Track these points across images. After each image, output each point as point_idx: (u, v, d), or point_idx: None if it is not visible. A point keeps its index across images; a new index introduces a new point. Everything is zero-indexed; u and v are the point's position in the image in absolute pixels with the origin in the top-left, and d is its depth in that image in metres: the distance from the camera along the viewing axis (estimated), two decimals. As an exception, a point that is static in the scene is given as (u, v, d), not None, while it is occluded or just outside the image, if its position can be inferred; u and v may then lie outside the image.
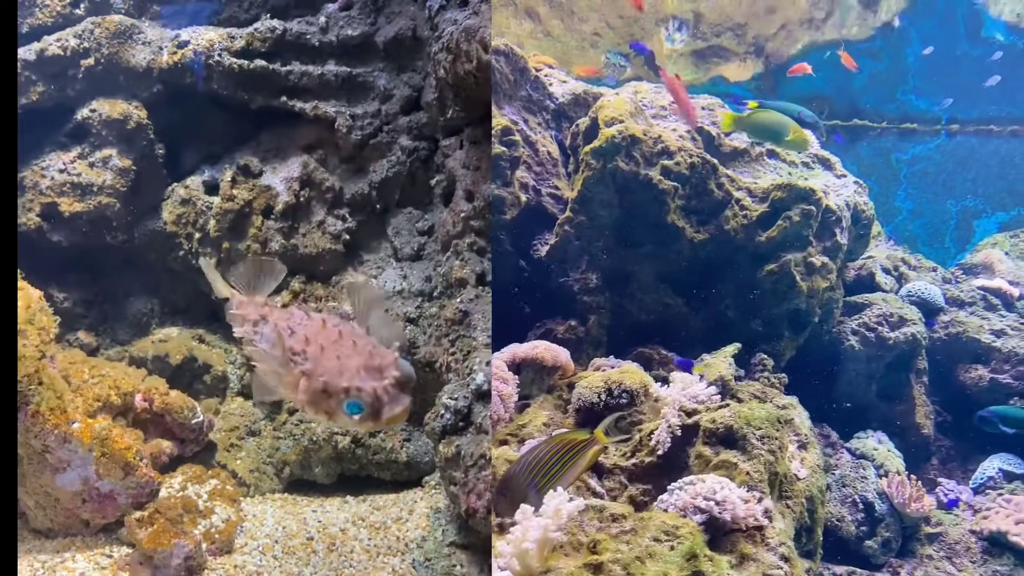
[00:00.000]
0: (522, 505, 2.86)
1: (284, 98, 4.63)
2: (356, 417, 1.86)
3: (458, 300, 3.76)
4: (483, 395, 3.38)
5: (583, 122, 5.38)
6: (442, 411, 3.39)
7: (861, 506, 5.06)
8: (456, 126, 4.20)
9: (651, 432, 3.81)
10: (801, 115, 5.28)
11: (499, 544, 2.76)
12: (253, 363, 2.16)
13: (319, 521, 4.13)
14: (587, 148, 5.09)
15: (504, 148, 5.03)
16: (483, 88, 3.74)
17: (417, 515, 4.12)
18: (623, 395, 4.07)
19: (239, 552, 3.83)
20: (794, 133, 4.74)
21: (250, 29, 4.60)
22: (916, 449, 5.73)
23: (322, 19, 4.62)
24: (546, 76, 5.90)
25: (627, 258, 5.28)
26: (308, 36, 4.61)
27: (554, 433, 3.77)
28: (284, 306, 4.55)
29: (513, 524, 2.88)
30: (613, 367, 4.57)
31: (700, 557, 2.85)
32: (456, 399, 3.39)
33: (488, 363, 3.45)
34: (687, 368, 4.90)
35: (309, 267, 4.71)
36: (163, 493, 3.92)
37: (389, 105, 4.67)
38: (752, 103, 4.97)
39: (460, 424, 3.36)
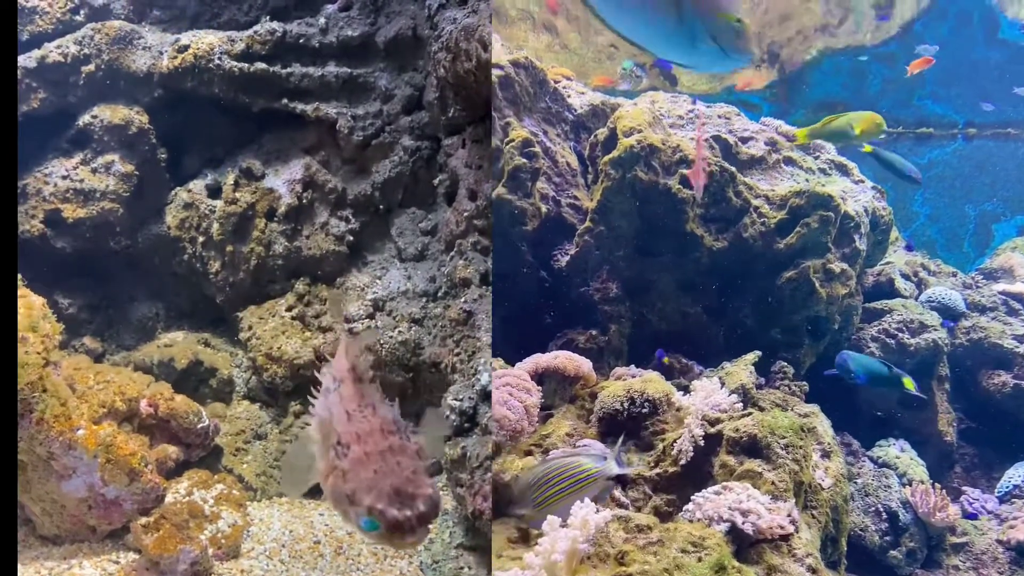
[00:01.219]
0: (549, 516, 2.86)
1: (285, 100, 4.62)
2: (371, 533, 1.87)
3: (462, 300, 3.75)
4: (488, 396, 3.36)
5: (601, 132, 5.34)
6: (448, 412, 3.36)
7: (885, 516, 4.99)
8: (458, 125, 4.17)
9: (674, 442, 3.78)
10: (907, 168, 5.59)
11: (527, 556, 2.77)
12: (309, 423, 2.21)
13: (326, 525, 4.12)
14: (606, 158, 5.07)
15: (524, 160, 5.00)
16: (483, 86, 3.74)
17: (425, 517, 4.07)
18: (645, 404, 4.03)
19: (246, 557, 3.83)
20: (861, 125, 4.80)
21: (250, 32, 4.59)
22: (939, 457, 5.63)
23: (322, 20, 4.60)
24: (564, 88, 5.89)
25: (647, 267, 5.25)
26: (308, 37, 4.60)
27: (577, 444, 3.82)
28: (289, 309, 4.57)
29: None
30: (634, 376, 4.54)
31: (728, 569, 2.83)
32: (461, 400, 3.38)
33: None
34: (660, 358, 4.97)
35: (313, 269, 4.71)
36: (169, 498, 3.91)
37: (391, 105, 4.64)
38: (867, 147, 5.40)
39: (466, 425, 3.36)
